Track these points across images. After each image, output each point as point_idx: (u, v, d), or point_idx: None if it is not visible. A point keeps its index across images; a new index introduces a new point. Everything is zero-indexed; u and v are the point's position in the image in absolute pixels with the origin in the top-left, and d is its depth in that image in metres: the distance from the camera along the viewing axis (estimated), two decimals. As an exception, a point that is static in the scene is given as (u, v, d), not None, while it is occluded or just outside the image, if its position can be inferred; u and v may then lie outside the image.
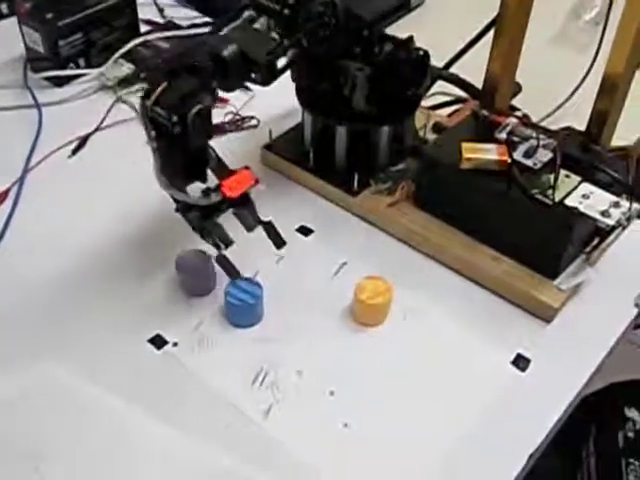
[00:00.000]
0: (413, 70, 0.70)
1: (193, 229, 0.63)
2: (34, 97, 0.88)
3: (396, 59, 0.69)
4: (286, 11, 0.65)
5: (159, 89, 0.58)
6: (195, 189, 0.63)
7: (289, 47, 0.64)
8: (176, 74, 0.59)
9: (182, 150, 0.61)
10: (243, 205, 0.63)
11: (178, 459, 0.56)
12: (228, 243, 0.62)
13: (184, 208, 0.63)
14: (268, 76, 0.63)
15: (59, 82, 0.91)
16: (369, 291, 0.64)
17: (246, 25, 0.65)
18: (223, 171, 0.63)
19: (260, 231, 0.72)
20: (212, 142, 0.84)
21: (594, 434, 0.89)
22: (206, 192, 0.62)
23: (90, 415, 0.59)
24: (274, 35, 0.65)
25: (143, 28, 0.97)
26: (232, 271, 0.63)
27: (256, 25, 0.66)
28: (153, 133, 0.59)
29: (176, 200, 0.63)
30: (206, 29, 0.98)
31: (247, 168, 0.63)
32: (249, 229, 0.64)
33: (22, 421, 0.58)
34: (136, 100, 0.88)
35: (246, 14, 0.66)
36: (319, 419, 0.59)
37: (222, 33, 0.64)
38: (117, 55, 0.91)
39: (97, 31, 0.92)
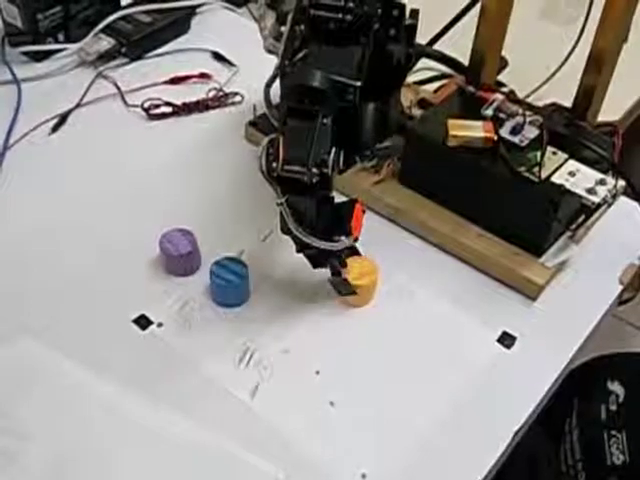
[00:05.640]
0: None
1: (316, 265, 0.62)
2: (12, 72, 0.86)
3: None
4: (348, 17, 0.62)
5: (281, 148, 0.55)
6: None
7: (365, 54, 0.62)
8: (284, 125, 0.57)
9: (313, 197, 0.58)
10: None
11: (163, 439, 0.56)
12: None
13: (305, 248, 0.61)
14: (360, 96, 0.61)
15: (38, 57, 0.89)
16: (355, 272, 0.63)
17: (313, 48, 0.62)
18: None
19: (246, 211, 0.72)
20: (195, 118, 0.84)
21: (577, 407, 0.91)
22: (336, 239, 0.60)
23: (72, 395, 0.58)
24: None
25: (124, 1, 0.95)
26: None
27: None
28: (280, 190, 0.57)
29: (301, 244, 0.60)
30: (188, 2, 0.96)
31: (356, 201, 0.61)
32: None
33: None
34: (118, 76, 0.87)
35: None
36: (305, 398, 0.59)
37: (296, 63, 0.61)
38: (97, 29, 0.89)
39: (76, 4, 0.90)
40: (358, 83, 0.60)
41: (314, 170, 0.55)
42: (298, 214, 0.58)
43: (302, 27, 0.63)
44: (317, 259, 0.62)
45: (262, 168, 0.57)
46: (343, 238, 0.60)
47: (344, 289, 0.63)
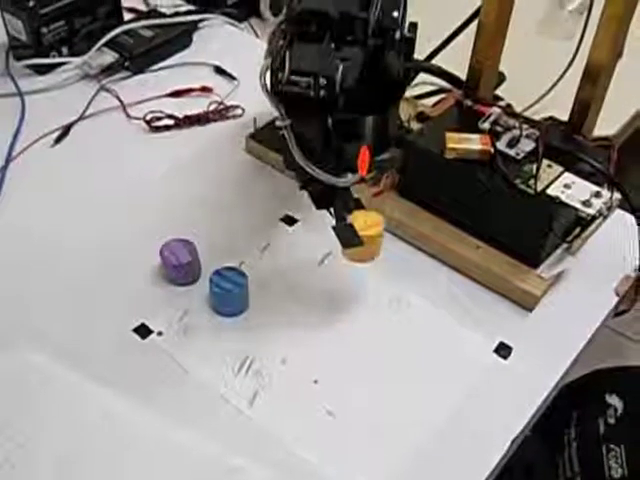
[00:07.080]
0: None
1: (320, 205, 0.57)
2: (17, 85, 0.87)
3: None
4: None
5: (287, 61, 0.51)
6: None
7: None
8: (291, 43, 0.53)
9: (322, 119, 0.53)
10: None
11: (162, 446, 0.56)
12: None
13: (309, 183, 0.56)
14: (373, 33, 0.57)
15: (42, 70, 0.90)
16: (360, 223, 0.59)
17: None
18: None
19: (246, 222, 0.73)
20: (196, 131, 0.85)
21: (576, 420, 0.91)
22: (345, 174, 0.55)
23: (72, 402, 0.59)
24: None
25: (127, 16, 0.97)
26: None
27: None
28: (284, 111, 0.52)
29: (305, 177, 0.55)
30: (190, 17, 0.97)
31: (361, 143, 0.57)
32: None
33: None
34: (120, 89, 0.88)
35: None
36: (303, 406, 0.59)
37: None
38: (100, 43, 0.90)
39: (80, 19, 0.91)
40: (366, 15, 0.56)
41: (322, 81, 0.51)
42: (303, 143, 0.54)
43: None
44: (321, 197, 0.57)
45: (265, 85, 0.52)
46: (349, 175, 0.56)
47: (349, 239, 0.58)
